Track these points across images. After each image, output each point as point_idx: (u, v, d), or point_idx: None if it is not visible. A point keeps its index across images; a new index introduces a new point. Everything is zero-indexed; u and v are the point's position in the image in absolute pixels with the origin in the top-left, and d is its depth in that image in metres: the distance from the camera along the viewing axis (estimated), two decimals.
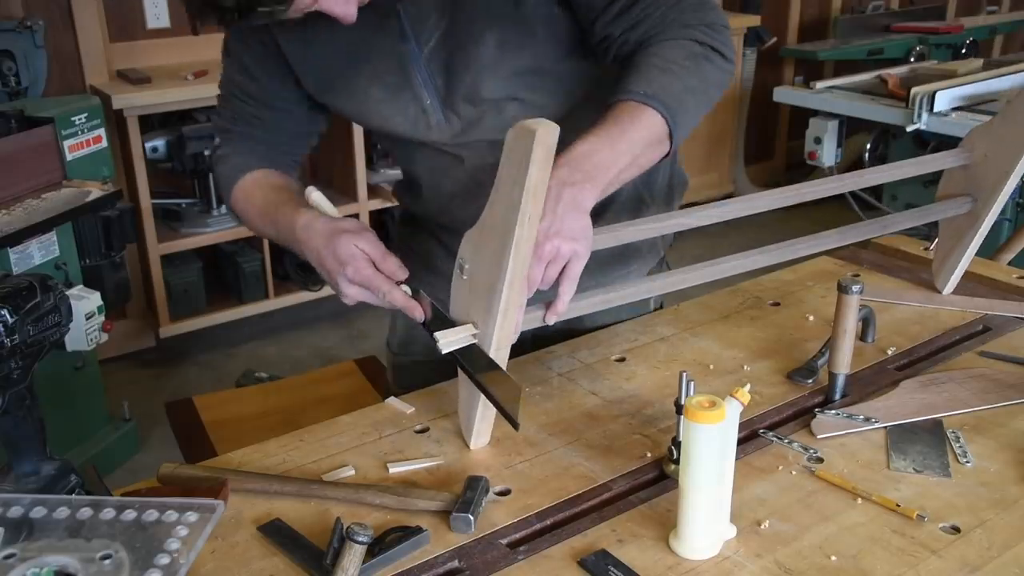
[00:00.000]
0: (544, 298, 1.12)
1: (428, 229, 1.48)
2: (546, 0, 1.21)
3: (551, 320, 1.13)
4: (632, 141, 1.12)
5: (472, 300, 1.11)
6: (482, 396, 1.10)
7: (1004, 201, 1.45)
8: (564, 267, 1.07)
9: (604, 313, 1.42)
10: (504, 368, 1.10)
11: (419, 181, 1.42)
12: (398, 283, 1.14)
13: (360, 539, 0.89)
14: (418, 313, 1.13)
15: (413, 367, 1.49)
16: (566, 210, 1.05)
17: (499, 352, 1.09)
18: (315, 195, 1.23)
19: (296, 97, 1.36)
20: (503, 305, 1.05)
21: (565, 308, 1.12)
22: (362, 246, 1.14)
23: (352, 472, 1.12)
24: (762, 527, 0.99)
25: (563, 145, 1.11)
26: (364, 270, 1.13)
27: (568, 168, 1.07)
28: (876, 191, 3.57)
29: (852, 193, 3.64)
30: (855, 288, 1.19)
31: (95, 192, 2.61)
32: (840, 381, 1.23)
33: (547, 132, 0.98)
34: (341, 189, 3.79)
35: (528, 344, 1.42)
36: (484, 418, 1.14)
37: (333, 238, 1.14)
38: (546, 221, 1.05)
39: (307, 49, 1.29)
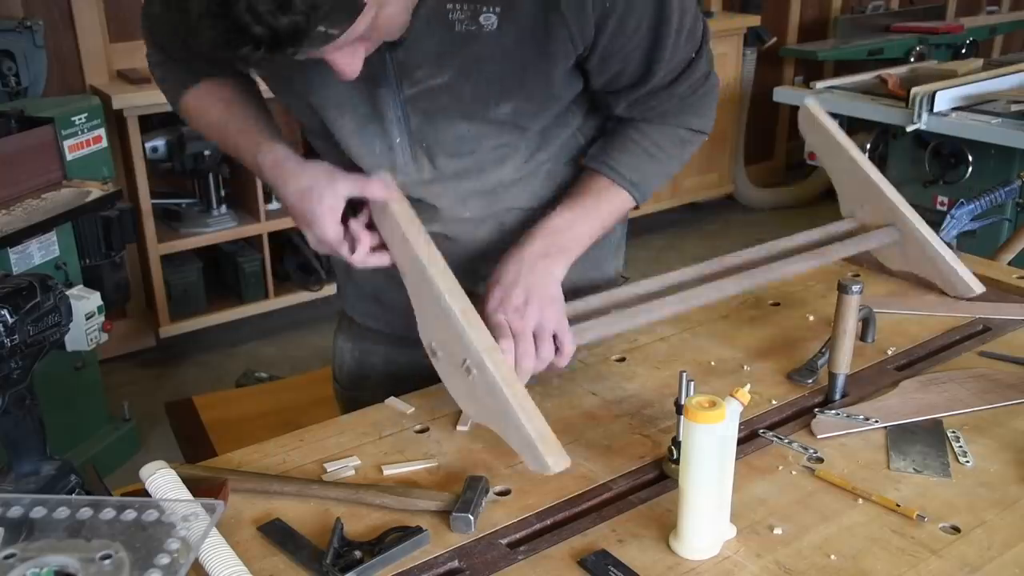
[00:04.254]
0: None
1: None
2: (574, 75, 1.18)
3: (562, 364, 1.16)
4: (604, 217, 1.23)
5: (453, 372, 1.12)
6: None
7: (912, 211, 1.50)
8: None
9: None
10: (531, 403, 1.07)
11: None
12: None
13: None
14: (385, 260, 1.17)
15: (363, 401, 1.35)
16: (538, 282, 1.14)
17: (519, 395, 1.05)
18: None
19: None
20: (491, 368, 1.05)
21: (572, 353, 1.17)
22: (328, 203, 1.14)
23: (357, 462, 1.12)
24: (762, 527, 0.99)
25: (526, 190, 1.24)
26: (328, 233, 1.14)
27: (544, 242, 1.17)
28: None
29: None
30: (855, 288, 1.19)
31: (95, 192, 2.61)
32: (840, 381, 1.23)
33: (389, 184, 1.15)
34: None
35: None
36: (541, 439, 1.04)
37: (302, 198, 1.15)
38: (520, 288, 1.13)
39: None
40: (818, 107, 1.59)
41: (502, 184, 1.25)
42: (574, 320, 1.19)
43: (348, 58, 0.99)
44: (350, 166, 1.22)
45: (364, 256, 1.17)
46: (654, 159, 1.25)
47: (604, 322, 1.22)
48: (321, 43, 0.91)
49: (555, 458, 1.01)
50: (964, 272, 1.49)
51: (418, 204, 1.21)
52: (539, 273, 1.15)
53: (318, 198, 1.13)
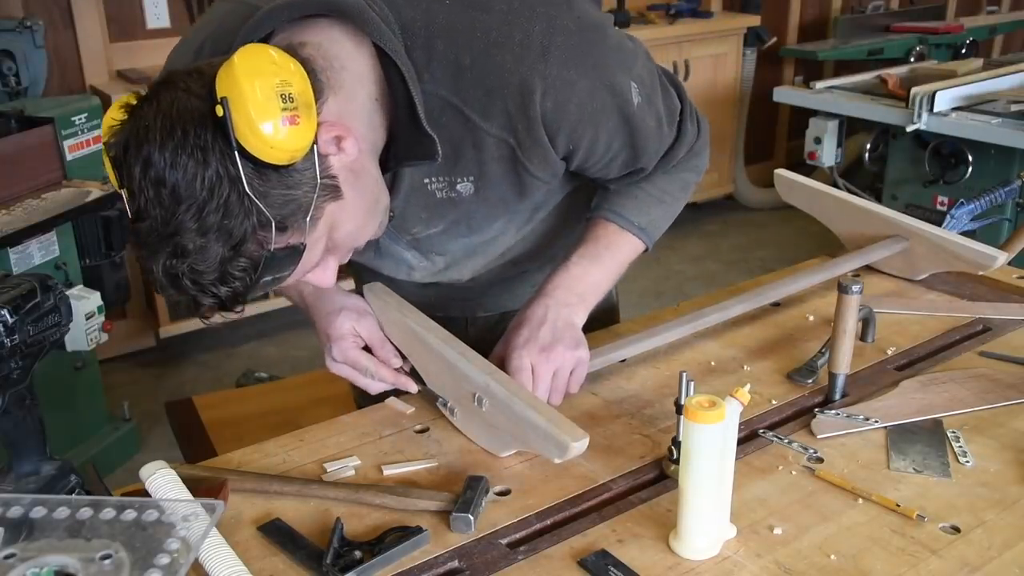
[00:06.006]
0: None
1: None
2: (552, 179, 1.19)
3: (573, 391, 1.22)
4: (620, 264, 1.28)
5: (470, 416, 1.15)
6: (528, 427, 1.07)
7: (910, 218, 1.53)
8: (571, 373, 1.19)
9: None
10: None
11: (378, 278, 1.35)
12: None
13: None
14: (411, 387, 1.21)
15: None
16: (563, 326, 1.19)
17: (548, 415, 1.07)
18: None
19: None
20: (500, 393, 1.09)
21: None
22: (359, 329, 1.21)
23: (357, 462, 1.12)
24: (762, 527, 0.99)
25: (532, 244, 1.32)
26: (349, 351, 1.20)
27: (563, 290, 1.22)
28: (876, 192, 3.57)
29: (851, 193, 3.65)
30: (855, 288, 1.19)
31: (95, 192, 2.61)
32: (840, 381, 1.23)
33: (373, 293, 1.24)
34: None
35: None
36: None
37: (333, 315, 1.21)
38: (547, 328, 1.17)
39: None
40: (786, 172, 1.70)
41: (507, 247, 1.32)
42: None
43: (320, 272, 1.04)
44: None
45: (392, 374, 1.22)
46: (661, 203, 1.29)
47: (610, 347, 1.28)
48: (275, 285, 0.97)
49: (572, 435, 1.01)
50: (979, 246, 1.50)
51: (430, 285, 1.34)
52: (563, 317, 1.20)
53: (346, 318, 1.21)
